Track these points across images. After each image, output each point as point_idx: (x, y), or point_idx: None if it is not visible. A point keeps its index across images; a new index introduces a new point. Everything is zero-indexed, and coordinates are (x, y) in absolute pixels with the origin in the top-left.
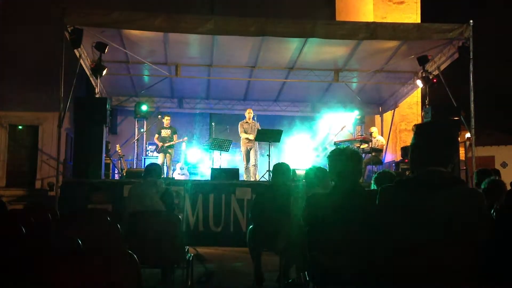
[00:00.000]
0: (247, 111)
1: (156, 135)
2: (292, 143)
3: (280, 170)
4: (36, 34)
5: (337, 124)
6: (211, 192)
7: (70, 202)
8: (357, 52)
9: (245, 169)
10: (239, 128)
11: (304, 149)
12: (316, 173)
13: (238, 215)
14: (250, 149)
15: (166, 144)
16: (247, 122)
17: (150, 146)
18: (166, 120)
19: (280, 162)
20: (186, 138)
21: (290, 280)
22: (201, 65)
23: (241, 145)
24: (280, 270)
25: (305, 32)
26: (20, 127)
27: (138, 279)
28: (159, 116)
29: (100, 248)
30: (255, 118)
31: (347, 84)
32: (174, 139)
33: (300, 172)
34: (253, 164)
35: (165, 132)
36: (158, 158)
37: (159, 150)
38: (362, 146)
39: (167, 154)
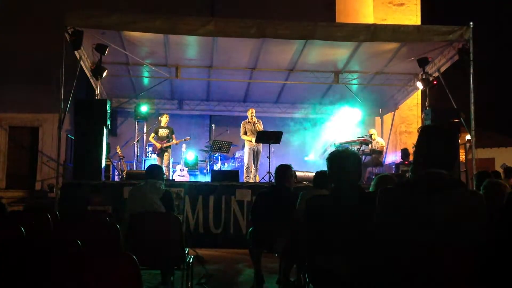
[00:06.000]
0: (250, 110)
1: (153, 134)
2: (293, 144)
3: (282, 172)
4: (36, 35)
5: (337, 125)
6: (211, 194)
7: (70, 204)
8: (357, 54)
9: (246, 168)
10: (241, 129)
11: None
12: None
13: (238, 217)
14: (253, 149)
15: (165, 145)
16: (249, 122)
17: (150, 148)
18: (165, 119)
19: (282, 164)
20: (189, 138)
21: (290, 282)
22: (201, 67)
23: (244, 145)
24: (280, 272)
25: (305, 34)
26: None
27: (138, 281)
28: (159, 118)
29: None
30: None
31: (347, 86)
32: (173, 139)
33: (301, 174)
34: (254, 165)
35: (163, 132)
36: (157, 160)
37: (157, 152)
38: (362, 148)
39: (165, 154)
